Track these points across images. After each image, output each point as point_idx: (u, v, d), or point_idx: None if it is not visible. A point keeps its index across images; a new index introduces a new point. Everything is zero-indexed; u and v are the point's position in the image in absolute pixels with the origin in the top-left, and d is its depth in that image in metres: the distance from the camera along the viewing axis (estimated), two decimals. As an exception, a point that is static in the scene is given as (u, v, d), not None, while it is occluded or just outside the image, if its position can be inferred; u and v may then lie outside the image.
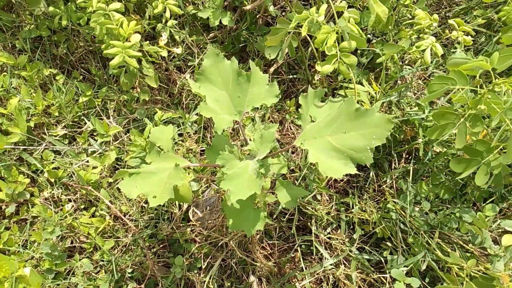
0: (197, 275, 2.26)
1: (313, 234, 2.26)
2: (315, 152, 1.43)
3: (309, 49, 2.63)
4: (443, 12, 2.84)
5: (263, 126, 1.57)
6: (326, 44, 1.79)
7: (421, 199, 2.20)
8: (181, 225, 2.33)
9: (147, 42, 2.39)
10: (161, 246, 2.34)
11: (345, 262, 2.28)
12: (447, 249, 2.05)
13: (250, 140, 1.57)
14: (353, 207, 2.31)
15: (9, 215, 2.31)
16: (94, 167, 2.39)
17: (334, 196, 2.35)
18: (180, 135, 2.54)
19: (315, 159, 1.39)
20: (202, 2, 2.63)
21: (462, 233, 2.10)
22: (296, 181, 2.33)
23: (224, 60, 1.60)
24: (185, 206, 2.34)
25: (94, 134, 2.54)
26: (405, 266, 2.10)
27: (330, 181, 2.45)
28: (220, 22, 2.55)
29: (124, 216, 2.32)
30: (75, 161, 2.43)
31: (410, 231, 2.14)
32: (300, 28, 1.96)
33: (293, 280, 2.30)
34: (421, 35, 1.97)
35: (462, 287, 1.79)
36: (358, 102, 2.19)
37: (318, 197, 2.34)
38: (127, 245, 2.30)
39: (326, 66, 1.83)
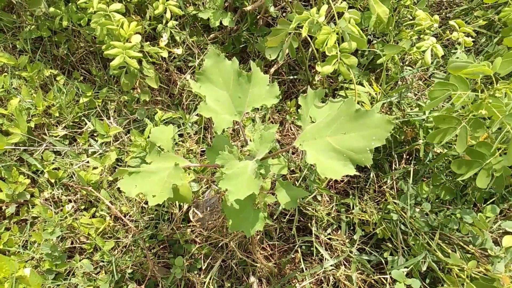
0: (197, 275, 2.26)
1: (313, 235, 2.26)
2: (314, 153, 1.43)
3: (310, 50, 2.63)
4: (443, 13, 2.84)
5: (263, 127, 1.57)
6: (326, 44, 1.79)
7: (422, 200, 2.20)
8: (181, 225, 2.33)
9: (148, 42, 2.39)
10: (161, 246, 2.34)
11: (345, 263, 2.28)
12: (447, 250, 2.05)
13: (250, 140, 1.57)
14: (353, 208, 2.31)
15: (9, 216, 2.31)
16: (94, 168, 2.39)
17: (335, 197, 2.35)
18: (181, 135, 2.54)
19: (314, 160, 1.39)
20: (203, 3, 2.63)
21: (462, 234, 2.10)
22: (296, 182, 2.33)
23: (225, 60, 1.61)
24: (185, 206, 2.34)
25: (95, 134, 2.54)
26: (405, 267, 2.10)
27: (331, 182, 2.45)
28: (221, 23, 2.56)
29: (125, 216, 2.32)
30: (76, 161, 2.43)
31: (410, 232, 2.14)
32: (300, 29, 1.96)
33: (293, 281, 2.30)
34: (421, 36, 1.97)
35: (463, 288, 1.79)
36: (358, 103, 2.19)
37: (319, 198, 2.34)
38: (127, 246, 2.30)
39: (326, 67, 1.83)
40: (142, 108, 2.59)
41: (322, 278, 2.27)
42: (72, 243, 2.30)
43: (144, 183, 1.54)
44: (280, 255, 2.36)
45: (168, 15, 2.37)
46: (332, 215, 2.32)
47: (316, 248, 2.25)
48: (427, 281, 2.13)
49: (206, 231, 2.31)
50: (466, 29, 1.91)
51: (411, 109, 2.35)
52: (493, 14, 2.53)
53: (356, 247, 2.27)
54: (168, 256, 2.32)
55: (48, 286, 2.14)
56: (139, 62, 2.33)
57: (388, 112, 2.41)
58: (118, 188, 2.38)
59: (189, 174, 2.21)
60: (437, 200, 2.23)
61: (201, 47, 2.73)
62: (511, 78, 1.77)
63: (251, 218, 1.63)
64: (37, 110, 2.46)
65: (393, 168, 2.37)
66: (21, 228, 2.30)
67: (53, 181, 2.37)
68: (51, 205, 2.35)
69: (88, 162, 2.42)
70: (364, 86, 2.34)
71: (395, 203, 2.22)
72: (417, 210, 2.18)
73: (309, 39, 2.09)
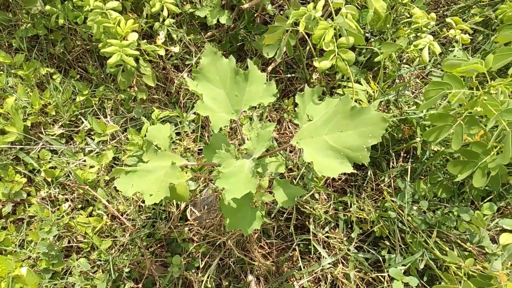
0: (195, 274, 2.26)
1: (311, 233, 2.26)
2: (311, 151, 1.43)
3: (307, 48, 2.62)
4: (441, 11, 2.84)
5: (260, 125, 1.57)
6: (324, 39, 1.79)
7: (419, 198, 2.20)
8: (178, 224, 2.32)
9: (145, 41, 2.38)
10: (158, 245, 2.33)
11: (343, 261, 2.28)
12: (445, 248, 2.05)
13: (247, 139, 1.57)
14: (351, 206, 2.31)
15: (6, 215, 2.30)
16: (91, 167, 2.38)
17: (332, 195, 2.34)
18: (178, 134, 2.53)
19: (311, 158, 1.39)
20: (200, 1, 2.62)
21: (460, 232, 2.10)
22: (294, 180, 2.33)
23: (222, 58, 1.60)
24: (183, 205, 2.33)
25: (91, 133, 2.53)
26: (403, 265, 2.10)
27: (328, 180, 2.45)
28: (218, 20, 2.55)
29: (122, 215, 2.32)
30: (72, 160, 2.42)
31: (408, 230, 2.14)
32: (297, 26, 1.96)
33: (291, 279, 2.30)
34: (419, 34, 1.97)
35: (460, 286, 1.79)
36: (356, 101, 2.19)
37: (316, 196, 2.34)
38: (124, 245, 2.29)
39: (324, 62, 1.83)
40: (139, 106, 2.58)
41: (320, 276, 2.27)
42: (69, 242, 2.29)
43: (141, 182, 1.53)
44: (278, 254, 2.36)
45: (165, 13, 2.36)
46: (330, 213, 2.32)
47: (314, 246, 2.24)
48: (425, 279, 2.13)
49: (203, 229, 2.30)
50: (463, 26, 1.91)
51: (408, 107, 2.34)
52: (490, 11, 2.53)
53: (354, 245, 2.27)
54: (165, 254, 2.31)
55: (45, 285, 2.13)
56: (136, 60, 2.32)
57: (386, 110, 2.41)
58: (115, 187, 2.38)
59: (186, 172, 2.20)
60: (434, 198, 2.23)
61: (198, 45, 2.72)
62: (507, 75, 1.77)
63: (248, 217, 1.63)
64: (34, 108, 2.45)
65: (391, 166, 2.37)
66: (17, 227, 2.29)
67: (49, 180, 2.36)
68: (47, 204, 2.35)
69: (85, 161, 2.41)
70: (361, 84, 2.34)
71: (392, 201, 2.22)
72: (415, 208, 2.19)
73: (306, 36, 2.08)
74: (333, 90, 2.58)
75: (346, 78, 2.55)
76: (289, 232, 2.32)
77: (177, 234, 2.28)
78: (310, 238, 2.25)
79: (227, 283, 2.29)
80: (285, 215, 2.34)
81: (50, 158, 2.41)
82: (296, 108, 1.59)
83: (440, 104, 2.24)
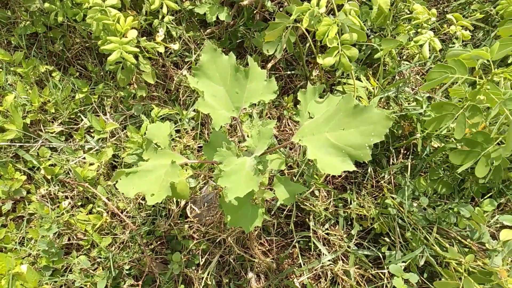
0: (195, 271, 2.26)
1: (311, 230, 2.26)
2: (313, 148, 1.42)
3: (307, 44, 2.62)
4: (441, 7, 2.83)
5: (261, 123, 1.56)
6: (327, 36, 1.78)
7: (419, 195, 2.20)
8: (178, 221, 2.32)
9: (144, 38, 2.38)
10: (158, 242, 2.33)
11: (343, 258, 2.28)
12: (445, 244, 2.05)
13: (248, 136, 1.56)
14: (351, 203, 2.31)
15: (6, 212, 2.30)
16: (91, 164, 2.37)
17: (332, 192, 2.34)
18: (178, 131, 2.53)
19: (313, 156, 1.38)
20: (199, -2, 2.62)
21: (460, 228, 2.10)
22: (294, 177, 2.32)
23: (222, 55, 1.59)
24: (183, 202, 2.33)
25: (91, 130, 2.52)
26: (403, 262, 2.10)
27: (328, 177, 2.45)
28: (217, 17, 2.54)
29: (122, 213, 2.31)
30: (72, 158, 2.42)
31: (408, 227, 2.14)
32: (298, 23, 1.95)
33: (291, 276, 2.30)
34: (419, 30, 1.97)
35: (460, 282, 1.79)
36: (356, 98, 2.18)
37: (316, 193, 2.34)
38: (124, 242, 2.29)
39: (328, 59, 1.82)
40: (138, 103, 2.57)
41: (320, 273, 2.27)
42: (69, 239, 2.29)
43: (142, 182, 1.53)
44: (278, 251, 2.36)
45: (164, 10, 2.35)
46: (330, 210, 2.32)
47: (314, 243, 2.24)
48: (425, 275, 2.13)
49: (203, 227, 2.30)
50: (463, 22, 1.91)
51: (408, 103, 2.34)
52: (490, 7, 2.53)
53: (354, 242, 2.27)
54: (165, 252, 2.31)
55: (45, 282, 2.13)
56: (135, 57, 2.31)
57: (386, 107, 2.40)
58: (115, 184, 2.37)
59: (186, 170, 2.20)
60: (434, 195, 2.23)
61: (198, 42, 2.71)
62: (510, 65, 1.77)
63: (249, 214, 1.63)
64: (33, 106, 2.44)
65: (391, 163, 2.37)
66: (17, 225, 2.29)
67: (49, 177, 2.36)
68: (47, 202, 2.34)
69: (84, 158, 2.41)
70: (361, 81, 2.33)
71: (392, 197, 2.22)
72: (415, 204, 2.18)
73: (306, 33, 2.08)
74: (332, 87, 2.58)
75: (346, 75, 2.54)
76: (289, 229, 2.32)
77: (177, 232, 2.28)
78: (310, 235, 2.25)
79: (227, 280, 2.29)
80: (285, 212, 2.34)
81: (50, 156, 2.40)
82: (298, 105, 1.59)
83: (440, 100, 2.24)
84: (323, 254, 2.25)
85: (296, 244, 2.31)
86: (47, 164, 2.36)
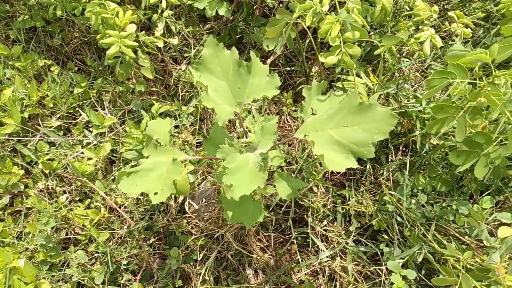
0: (193, 267, 2.26)
1: (309, 226, 2.26)
2: (317, 145, 1.42)
3: (307, 41, 2.61)
4: (441, 5, 2.83)
5: (263, 118, 1.55)
6: (330, 34, 1.77)
7: (418, 192, 2.20)
8: (176, 217, 2.32)
9: (143, 32, 2.37)
10: (156, 238, 2.33)
11: (341, 254, 2.28)
12: (443, 241, 2.06)
13: (248, 131, 1.56)
14: (349, 200, 2.31)
15: (4, 207, 2.30)
16: (89, 159, 2.37)
17: (331, 189, 2.34)
18: (176, 127, 2.52)
19: (320, 152, 1.38)
20: (199, -7, 2.60)
21: (458, 226, 2.10)
22: (292, 174, 2.32)
23: (224, 50, 1.59)
24: (181, 198, 2.33)
25: (89, 125, 2.52)
26: (401, 258, 2.10)
27: (327, 174, 2.45)
28: (217, 13, 2.53)
29: (120, 208, 2.31)
30: (70, 152, 2.41)
31: (406, 224, 2.14)
32: (298, 19, 1.94)
33: (289, 272, 2.30)
34: (420, 27, 1.96)
35: (458, 279, 1.80)
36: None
37: (315, 189, 2.34)
38: (122, 237, 2.29)
39: (330, 57, 1.82)
40: (137, 98, 2.57)
41: (318, 269, 2.28)
42: (66, 234, 2.29)
43: (144, 181, 1.51)
44: (276, 247, 2.36)
45: (163, 4, 2.34)
46: (328, 206, 2.32)
47: (312, 239, 2.24)
48: (423, 272, 2.14)
49: (201, 222, 2.30)
50: (465, 20, 1.91)
51: (408, 100, 2.34)
52: (491, 5, 2.52)
53: (352, 238, 2.27)
54: (163, 247, 2.31)
55: (43, 277, 2.13)
56: (134, 52, 2.30)
57: (385, 104, 2.40)
58: (113, 179, 2.37)
59: (185, 166, 2.19)
60: (433, 192, 2.23)
61: (197, 37, 2.70)
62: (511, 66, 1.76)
63: (251, 210, 1.62)
64: (31, 100, 2.43)
65: (390, 160, 2.37)
66: (15, 219, 2.29)
67: (47, 172, 2.35)
68: (45, 196, 2.34)
69: (82, 153, 2.40)
70: (361, 78, 2.33)
71: (391, 194, 2.22)
72: (413, 201, 2.19)
73: (306, 29, 2.07)
74: (332, 83, 2.57)
75: (346, 72, 2.54)
76: (288, 225, 2.32)
77: (175, 227, 2.28)
78: (308, 231, 2.25)
79: (225, 276, 2.29)
80: (283, 208, 2.34)
81: (48, 150, 2.40)
82: (302, 102, 1.59)
83: (440, 98, 2.24)
84: (321, 250, 2.25)
85: (294, 240, 2.31)
86: (45, 158, 2.35)
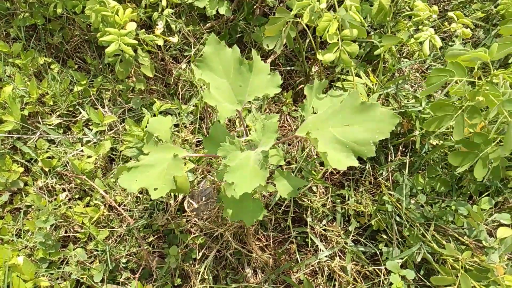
0: (192, 265, 2.26)
1: (308, 226, 2.26)
2: (320, 142, 1.42)
3: (307, 40, 2.61)
4: (441, 6, 2.83)
5: (264, 116, 1.56)
6: (327, 32, 1.78)
7: (417, 192, 2.20)
8: (176, 215, 2.32)
9: (143, 30, 2.37)
10: (156, 236, 2.33)
11: (340, 254, 2.28)
12: (442, 241, 2.06)
13: (251, 130, 1.56)
14: (348, 199, 2.31)
15: (3, 204, 2.29)
16: (88, 157, 2.37)
17: (330, 188, 2.34)
18: (176, 125, 2.52)
19: (323, 149, 1.38)
20: (199, -8, 2.60)
21: (457, 226, 2.10)
22: (291, 173, 2.32)
23: (225, 48, 1.59)
24: (180, 197, 2.33)
25: (89, 123, 2.52)
26: (400, 258, 2.11)
27: (326, 173, 2.45)
28: (217, 12, 2.53)
29: (119, 206, 2.31)
30: (70, 150, 2.41)
31: (405, 224, 2.15)
32: (298, 18, 1.94)
33: (288, 272, 2.30)
34: (420, 27, 1.97)
35: (457, 279, 1.80)
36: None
37: (314, 189, 2.34)
38: (121, 235, 2.29)
39: (328, 55, 1.82)
40: (137, 97, 2.57)
41: (317, 269, 2.28)
42: (66, 232, 2.29)
43: (144, 177, 1.52)
44: (275, 246, 2.36)
45: (164, 3, 2.34)
46: (328, 206, 2.32)
47: (311, 239, 2.25)
48: (422, 272, 2.14)
49: (201, 221, 2.30)
50: (464, 20, 1.91)
51: (407, 100, 2.34)
52: (491, 6, 2.53)
53: (351, 238, 2.28)
54: (162, 245, 2.31)
55: (42, 274, 2.13)
56: (134, 50, 2.30)
57: (385, 104, 2.40)
58: (112, 178, 2.37)
59: (185, 164, 2.19)
60: (432, 192, 2.23)
61: (197, 36, 2.70)
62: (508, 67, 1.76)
63: (250, 208, 1.63)
64: (31, 98, 2.43)
65: (389, 160, 2.37)
66: (14, 217, 2.29)
67: (47, 169, 2.35)
68: (45, 194, 2.34)
69: (82, 151, 2.40)
70: (361, 77, 2.33)
71: (390, 194, 2.22)
72: (412, 201, 2.19)
73: (306, 28, 2.07)
74: (332, 83, 2.57)
75: (346, 71, 2.54)
76: (287, 224, 2.32)
77: (175, 226, 2.28)
78: (308, 231, 2.25)
79: (224, 275, 2.29)
80: (282, 207, 2.34)
81: (48, 148, 2.40)
82: (304, 100, 1.59)
83: (439, 98, 2.24)
84: (320, 250, 2.25)
85: (294, 240, 2.31)
86: (44, 156, 2.35)
